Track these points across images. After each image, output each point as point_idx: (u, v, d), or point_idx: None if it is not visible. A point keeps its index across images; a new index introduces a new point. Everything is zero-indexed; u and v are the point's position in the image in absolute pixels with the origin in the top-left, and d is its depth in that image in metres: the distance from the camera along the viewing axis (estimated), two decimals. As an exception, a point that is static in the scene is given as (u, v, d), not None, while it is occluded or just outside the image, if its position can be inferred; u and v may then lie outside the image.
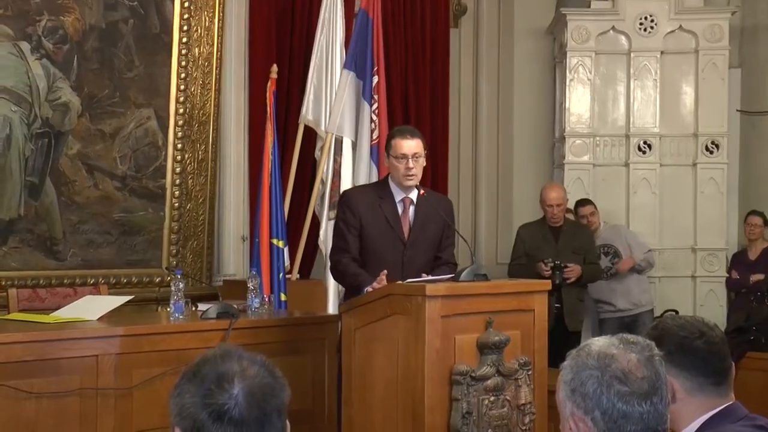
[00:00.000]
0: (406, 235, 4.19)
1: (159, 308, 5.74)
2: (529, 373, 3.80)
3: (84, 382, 3.71)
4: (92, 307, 4.27)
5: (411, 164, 4.12)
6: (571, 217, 6.70)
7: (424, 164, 4.21)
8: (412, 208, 4.22)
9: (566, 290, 6.19)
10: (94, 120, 5.59)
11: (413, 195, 4.21)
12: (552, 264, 6.01)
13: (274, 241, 5.44)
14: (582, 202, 6.91)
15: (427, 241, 4.23)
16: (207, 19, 6.01)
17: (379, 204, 4.19)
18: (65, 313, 4.24)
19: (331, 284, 5.50)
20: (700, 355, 2.15)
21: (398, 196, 4.22)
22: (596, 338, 1.81)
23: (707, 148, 7.39)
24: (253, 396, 1.60)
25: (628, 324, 6.60)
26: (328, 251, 4.93)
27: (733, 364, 2.25)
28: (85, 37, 5.54)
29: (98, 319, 4.16)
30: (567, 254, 6.13)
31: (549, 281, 4.27)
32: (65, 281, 5.46)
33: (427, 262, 4.22)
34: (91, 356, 3.74)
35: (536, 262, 6.07)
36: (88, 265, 5.59)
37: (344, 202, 4.29)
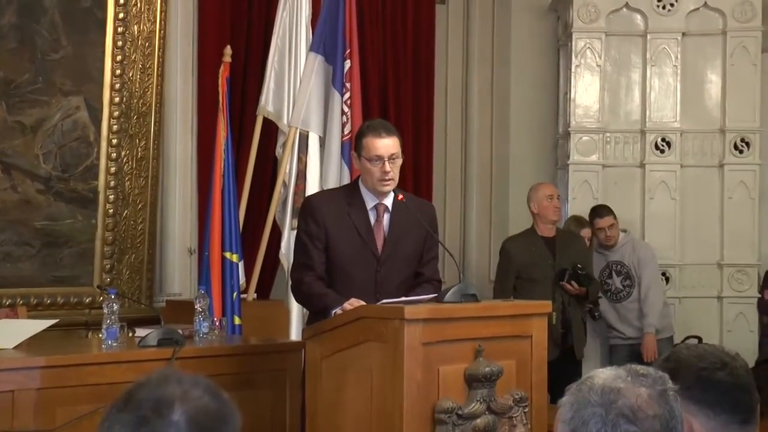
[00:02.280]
0: (379, 248, 4.19)
1: (89, 334, 5.70)
2: (526, 410, 3.82)
3: (-3, 422, 3.69)
4: (8, 333, 4.24)
5: (388, 167, 4.12)
6: (585, 230, 6.74)
7: (401, 164, 4.22)
8: (386, 217, 4.22)
9: (573, 310, 6.25)
10: (11, 110, 5.56)
11: (388, 201, 4.21)
12: (582, 272, 6.13)
13: (227, 254, 5.43)
14: (599, 212, 6.91)
15: (406, 256, 4.23)
16: (148, -9, 6.01)
17: (348, 212, 4.19)
18: (-24, 340, 4.21)
19: (294, 306, 5.50)
20: (723, 388, 2.16)
21: (371, 202, 4.22)
22: (600, 370, 1.81)
23: (736, 147, 7.44)
24: (197, 423, 1.61)
25: (639, 353, 6.64)
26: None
27: (760, 400, 2.26)
28: (1, 10, 5.51)
29: (15, 348, 4.13)
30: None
31: (549, 302, 4.28)
32: (-24, 302, 5.42)
33: (406, 281, 4.23)
34: (6, 392, 3.71)
35: (533, 282, 6.16)
36: (4, 282, 5.55)
37: (307, 211, 4.28)
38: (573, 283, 6.20)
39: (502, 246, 6.59)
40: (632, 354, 6.60)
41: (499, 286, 6.40)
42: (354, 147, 4.32)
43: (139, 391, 1.65)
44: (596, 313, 6.51)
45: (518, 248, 6.40)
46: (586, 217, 6.97)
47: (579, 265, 6.23)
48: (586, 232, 6.80)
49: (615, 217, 6.87)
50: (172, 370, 1.71)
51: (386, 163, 4.11)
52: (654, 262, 6.98)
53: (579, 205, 7.30)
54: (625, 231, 6.99)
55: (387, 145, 4.13)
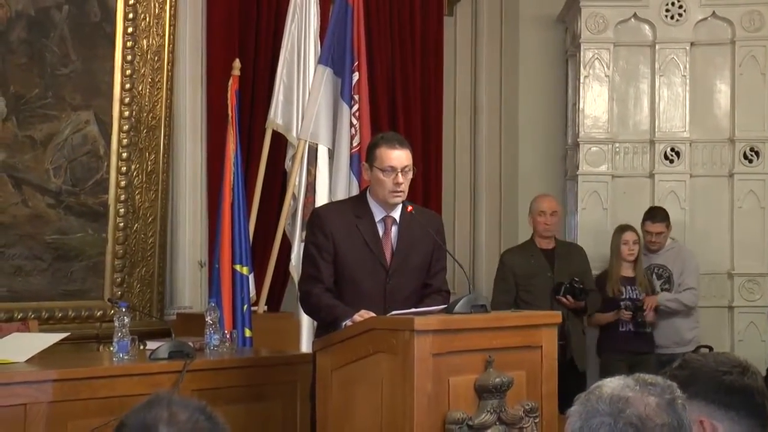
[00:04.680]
0: (388, 260, 4.21)
1: (100, 347, 5.72)
2: (536, 421, 3.82)
3: (9, 436, 3.70)
4: (20, 347, 4.26)
5: (401, 179, 4.15)
6: (628, 234, 6.68)
7: (411, 178, 4.24)
8: (394, 229, 4.24)
9: (572, 322, 6.25)
10: (21, 125, 5.58)
11: (396, 213, 4.24)
12: (632, 305, 6.18)
13: (237, 267, 5.44)
14: (653, 215, 6.86)
15: (414, 267, 4.25)
16: (157, 5, 6.03)
17: (357, 224, 4.21)
18: (-13, 354, 4.23)
19: (304, 318, 5.50)
20: (749, 392, 2.17)
21: (378, 214, 4.24)
22: (609, 379, 1.82)
23: (746, 156, 7.44)
24: None
25: (665, 364, 6.58)
26: (301, 279, 4.94)
27: None
28: (11, 26, 5.54)
29: (27, 361, 4.15)
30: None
31: (559, 313, 4.29)
32: (-12, 316, 5.44)
33: (415, 292, 4.24)
34: (17, 405, 3.73)
35: (531, 294, 6.17)
36: (15, 296, 5.56)
37: (314, 223, 4.30)
38: (569, 297, 6.21)
39: (500, 258, 6.61)
40: (658, 365, 6.51)
41: (500, 298, 6.37)
42: (366, 158, 4.33)
43: (130, 417, 1.69)
44: (639, 320, 6.47)
45: (517, 261, 6.42)
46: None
47: (576, 279, 6.24)
48: (630, 236, 6.71)
49: (668, 226, 6.84)
50: (165, 393, 1.74)
51: (399, 175, 4.14)
52: (698, 271, 6.96)
53: (588, 216, 7.31)
54: (672, 239, 6.97)
55: (400, 156, 4.16)
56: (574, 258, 6.47)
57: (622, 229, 6.77)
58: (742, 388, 2.16)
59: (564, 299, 6.21)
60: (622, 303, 6.55)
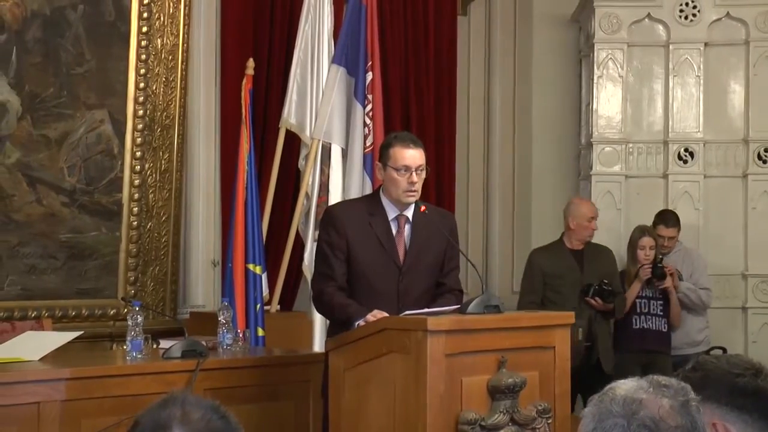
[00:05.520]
0: (401, 259, 4.20)
1: (113, 346, 5.74)
2: (549, 421, 3.81)
3: (23, 434, 3.71)
4: (33, 345, 4.27)
5: (415, 178, 4.15)
6: (645, 239, 6.67)
7: (424, 177, 4.24)
8: (407, 227, 4.24)
9: (599, 324, 6.24)
10: (36, 123, 5.61)
11: (409, 212, 4.23)
12: (607, 287, 6.21)
13: (251, 266, 5.45)
14: (666, 220, 6.84)
15: (427, 266, 4.24)
16: (171, 5, 6.04)
17: (370, 222, 4.21)
18: (1, 353, 4.23)
19: (317, 317, 5.51)
20: (762, 394, 2.15)
21: (392, 213, 4.23)
22: (622, 381, 1.82)
23: (760, 157, 7.40)
24: None
25: (676, 365, 6.57)
26: (314, 278, 4.95)
27: None
28: (26, 25, 5.56)
29: (40, 360, 4.16)
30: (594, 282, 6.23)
31: (572, 313, 4.28)
32: (1, 315, 5.44)
33: (427, 291, 4.24)
34: (31, 404, 3.74)
35: (559, 294, 6.15)
36: (29, 295, 5.59)
37: (328, 221, 4.30)
38: (597, 298, 6.20)
39: (529, 258, 6.58)
40: (673, 366, 6.50)
41: (526, 299, 6.36)
42: (379, 157, 4.33)
43: (144, 416, 1.70)
44: (659, 264, 6.44)
45: (545, 259, 6.40)
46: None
47: (605, 281, 6.23)
48: (647, 241, 6.69)
49: (679, 230, 6.84)
50: (179, 392, 1.75)
51: (413, 174, 4.14)
52: (707, 272, 6.95)
53: (602, 216, 7.26)
54: (678, 240, 6.96)
55: (414, 156, 4.16)
56: (603, 260, 6.45)
57: (641, 232, 6.73)
58: (755, 390, 2.15)
59: (593, 301, 6.21)
60: (641, 270, 6.52)
